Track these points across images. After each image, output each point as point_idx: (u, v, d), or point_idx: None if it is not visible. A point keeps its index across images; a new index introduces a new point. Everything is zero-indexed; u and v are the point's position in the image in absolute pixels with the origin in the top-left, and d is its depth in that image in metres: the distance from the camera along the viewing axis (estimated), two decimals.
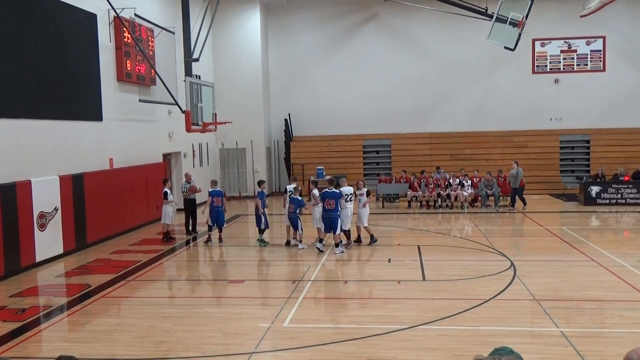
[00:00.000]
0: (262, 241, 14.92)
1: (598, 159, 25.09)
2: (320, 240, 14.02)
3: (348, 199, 14.10)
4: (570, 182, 24.83)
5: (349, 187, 14.48)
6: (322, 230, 13.92)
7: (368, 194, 14.83)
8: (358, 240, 14.68)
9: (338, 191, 13.83)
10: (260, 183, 15.51)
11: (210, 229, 15.62)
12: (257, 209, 14.93)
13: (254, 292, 10.99)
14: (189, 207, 17.13)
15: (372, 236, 14.61)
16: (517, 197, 20.82)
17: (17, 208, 12.40)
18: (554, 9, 25.35)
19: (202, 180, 21.21)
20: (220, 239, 15.59)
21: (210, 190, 15.78)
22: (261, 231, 15.00)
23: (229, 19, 25.48)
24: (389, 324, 8.56)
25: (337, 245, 13.91)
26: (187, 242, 16.30)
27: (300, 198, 14.53)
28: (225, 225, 15.97)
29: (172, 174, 22.00)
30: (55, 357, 3.44)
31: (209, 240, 15.57)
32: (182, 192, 17.31)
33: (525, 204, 20.80)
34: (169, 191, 16.06)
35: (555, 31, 25.81)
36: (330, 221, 13.63)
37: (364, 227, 14.58)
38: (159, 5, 20.58)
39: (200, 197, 17.92)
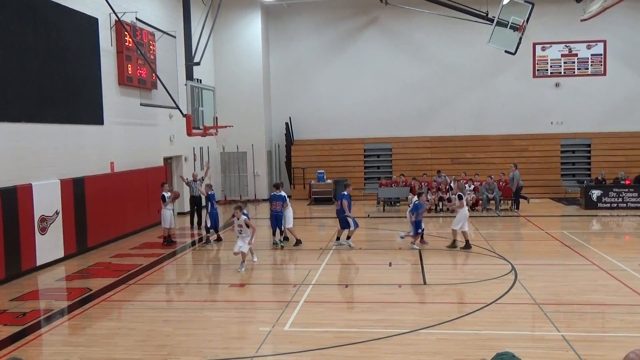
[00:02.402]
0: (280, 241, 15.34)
1: (599, 162, 25.08)
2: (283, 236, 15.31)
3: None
4: (571, 186, 24.82)
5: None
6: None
7: (460, 197, 14.57)
8: (453, 246, 14.46)
9: (283, 194, 15.24)
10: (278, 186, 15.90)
11: (208, 230, 16.07)
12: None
13: (254, 295, 10.98)
14: (194, 204, 18.59)
15: (467, 241, 14.30)
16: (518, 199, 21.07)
17: (18, 212, 12.41)
18: (555, 13, 25.39)
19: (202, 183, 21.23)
20: (219, 239, 16.22)
21: (211, 193, 16.29)
22: (280, 232, 15.38)
23: (230, 23, 25.54)
24: (390, 328, 8.55)
25: (285, 238, 15.32)
26: (193, 243, 16.34)
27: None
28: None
29: (173, 178, 22.02)
30: None
31: (207, 242, 16.01)
32: (185, 182, 18.99)
33: (517, 207, 20.99)
34: (166, 194, 16.08)
35: (556, 35, 25.85)
36: (275, 219, 15.07)
37: (454, 231, 14.42)
38: (160, 9, 20.63)
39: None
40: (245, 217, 12.71)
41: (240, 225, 12.59)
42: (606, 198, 21.04)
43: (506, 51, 21.23)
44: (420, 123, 26.67)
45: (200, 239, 16.77)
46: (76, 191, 14.61)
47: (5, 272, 11.98)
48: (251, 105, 25.83)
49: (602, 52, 25.85)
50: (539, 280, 11.14)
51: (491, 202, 21.20)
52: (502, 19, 20.58)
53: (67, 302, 10.64)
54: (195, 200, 19.01)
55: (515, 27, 20.49)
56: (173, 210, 16.35)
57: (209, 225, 15.94)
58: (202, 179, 18.48)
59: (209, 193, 16.24)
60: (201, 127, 17.55)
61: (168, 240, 15.95)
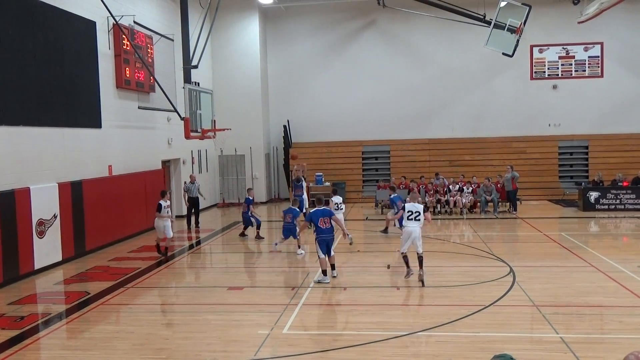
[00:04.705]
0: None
1: (597, 164, 25.12)
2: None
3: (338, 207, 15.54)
4: (569, 187, 24.85)
5: (338, 196, 15.97)
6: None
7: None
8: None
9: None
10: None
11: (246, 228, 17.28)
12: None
13: (253, 298, 10.96)
14: (192, 206, 19.32)
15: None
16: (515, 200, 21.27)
17: (15, 215, 12.39)
18: (552, 15, 25.45)
19: (202, 186, 21.19)
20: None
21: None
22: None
23: (228, 26, 25.56)
24: (389, 331, 8.54)
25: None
26: (190, 247, 16.31)
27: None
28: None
29: (171, 181, 22.02)
30: None
31: (243, 235, 17.24)
32: (185, 191, 19.55)
33: (515, 209, 21.05)
34: (164, 204, 14.66)
35: (553, 37, 25.90)
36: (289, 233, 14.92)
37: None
38: (158, 12, 20.65)
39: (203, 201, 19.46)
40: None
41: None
42: (604, 200, 21.07)
43: (504, 53, 21.28)
44: (418, 125, 26.68)
45: (198, 242, 16.72)
46: (74, 195, 14.59)
47: (3, 275, 11.96)
48: (249, 108, 25.84)
49: (599, 54, 25.91)
50: (538, 282, 11.15)
51: (489, 204, 21.21)
52: (499, 22, 20.63)
53: (65, 306, 10.62)
54: (193, 202, 19.22)
55: (512, 30, 20.55)
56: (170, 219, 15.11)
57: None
58: (199, 188, 19.61)
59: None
60: (199, 130, 17.55)
61: (161, 249, 14.91)
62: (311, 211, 12.21)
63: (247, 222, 17.05)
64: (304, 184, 19.77)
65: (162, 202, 14.67)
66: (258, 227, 16.88)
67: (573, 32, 25.23)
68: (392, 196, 17.11)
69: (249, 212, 16.86)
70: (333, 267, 11.96)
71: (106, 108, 16.69)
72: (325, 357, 7.65)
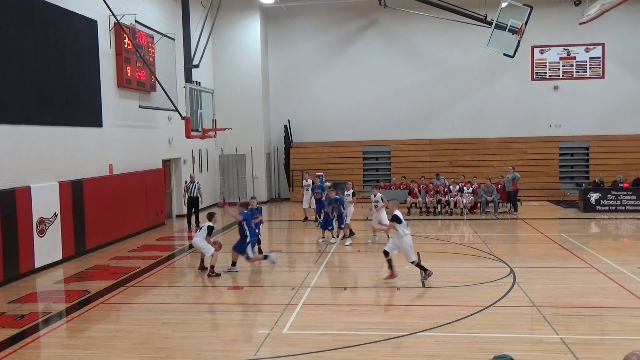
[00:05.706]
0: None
1: (597, 165, 25.12)
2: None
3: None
4: (569, 188, 24.85)
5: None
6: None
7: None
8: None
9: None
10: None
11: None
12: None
13: (253, 298, 10.97)
14: (192, 206, 19.28)
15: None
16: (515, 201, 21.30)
17: (16, 214, 12.39)
18: (553, 16, 25.46)
19: (203, 185, 21.18)
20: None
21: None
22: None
23: (229, 25, 25.57)
24: (388, 331, 8.54)
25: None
26: (190, 247, 16.29)
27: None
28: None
29: (171, 180, 22.03)
30: None
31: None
32: (185, 190, 19.52)
33: (515, 210, 21.04)
34: (213, 226, 13.05)
35: (555, 38, 25.90)
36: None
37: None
38: (160, 11, 20.65)
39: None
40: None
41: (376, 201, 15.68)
42: (604, 201, 21.07)
43: (505, 54, 21.27)
44: (418, 126, 26.69)
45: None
46: (74, 193, 14.60)
47: (4, 274, 11.97)
48: (250, 108, 25.86)
49: (600, 55, 25.91)
50: (538, 283, 11.15)
51: (490, 205, 21.21)
52: (500, 22, 20.62)
53: (65, 305, 10.62)
54: (193, 202, 19.19)
55: (513, 30, 20.54)
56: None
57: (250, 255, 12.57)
58: (199, 188, 19.49)
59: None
60: (200, 129, 17.57)
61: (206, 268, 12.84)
62: (245, 211, 12.65)
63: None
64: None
65: (212, 224, 12.95)
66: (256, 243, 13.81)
67: (574, 33, 25.24)
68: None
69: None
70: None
71: (107, 107, 16.70)
72: (325, 357, 7.65)
